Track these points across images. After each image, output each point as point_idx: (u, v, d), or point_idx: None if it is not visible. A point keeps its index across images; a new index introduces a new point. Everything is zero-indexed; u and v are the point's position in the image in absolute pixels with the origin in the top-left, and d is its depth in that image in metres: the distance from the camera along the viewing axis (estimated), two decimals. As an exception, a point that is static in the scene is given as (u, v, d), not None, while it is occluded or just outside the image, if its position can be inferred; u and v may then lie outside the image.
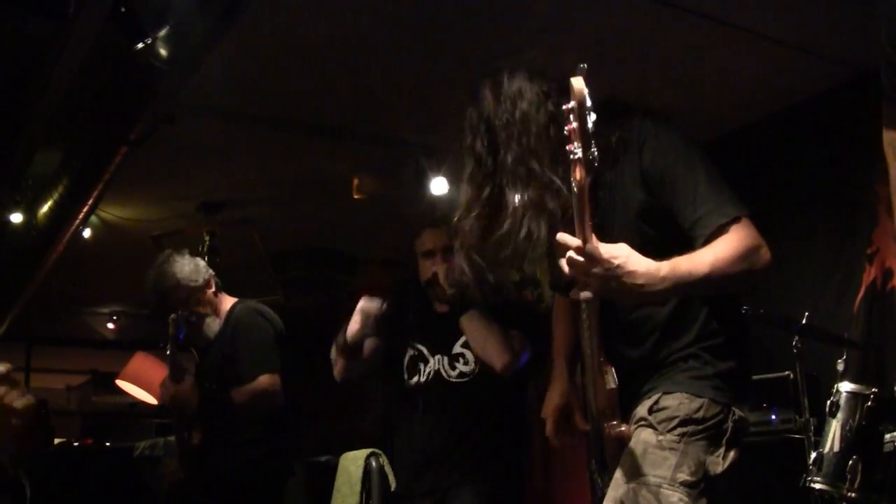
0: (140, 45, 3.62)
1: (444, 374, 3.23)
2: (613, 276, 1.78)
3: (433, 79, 4.66)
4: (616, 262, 1.78)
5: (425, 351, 3.31)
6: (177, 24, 3.64)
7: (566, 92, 1.73)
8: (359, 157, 5.66)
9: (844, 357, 4.02)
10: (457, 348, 3.24)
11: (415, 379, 3.30)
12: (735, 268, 1.88)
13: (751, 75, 4.79)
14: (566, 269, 1.82)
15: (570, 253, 1.78)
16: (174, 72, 3.87)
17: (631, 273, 1.79)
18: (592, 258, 1.76)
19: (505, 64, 2.18)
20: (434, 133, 4.06)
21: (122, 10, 3.47)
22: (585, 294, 1.85)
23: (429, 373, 3.26)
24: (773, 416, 4.50)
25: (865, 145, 4.68)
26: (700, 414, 1.98)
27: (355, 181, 3.07)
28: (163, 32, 3.65)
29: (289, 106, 5.12)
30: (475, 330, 3.14)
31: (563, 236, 1.80)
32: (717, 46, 4.45)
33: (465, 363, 3.21)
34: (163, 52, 3.70)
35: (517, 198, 2.03)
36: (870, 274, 4.59)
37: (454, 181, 2.27)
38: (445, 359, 3.25)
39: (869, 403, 3.74)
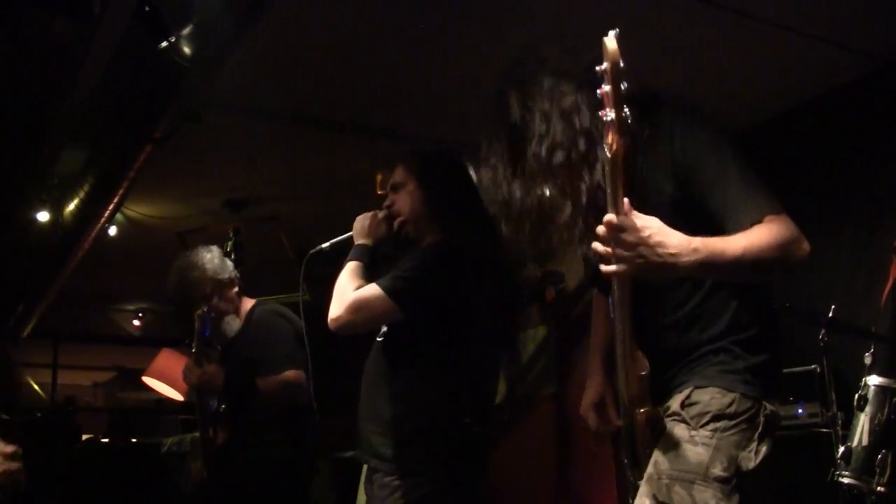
0: (164, 44, 3.64)
1: None
2: (645, 245, 1.77)
3: (458, 76, 4.65)
4: (648, 231, 1.78)
5: None
6: (201, 23, 3.66)
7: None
8: (383, 153, 5.66)
9: (872, 350, 3.99)
10: None
11: None
12: (769, 254, 1.87)
13: (775, 67, 4.75)
14: (598, 247, 1.82)
15: (601, 228, 1.79)
16: (198, 70, 3.88)
17: (662, 243, 1.78)
18: (624, 227, 1.76)
19: (531, 60, 2.16)
20: (459, 130, 4.06)
21: (147, 8, 3.49)
22: (613, 269, 1.83)
23: None
24: (800, 410, 4.47)
25: (892, 137, 4.64)
26: (732, 409, 1.98)
27: (379, 177, 3.04)
28: (187, 31, 3.67)
29: (313, 102, 5.13)
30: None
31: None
32: (743, 38, 4.42)
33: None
34: (187, 50, 3.72)
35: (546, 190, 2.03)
36: (897, 266, 4.55)
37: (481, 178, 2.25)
38: None
39: (898, 397, 3.73)
